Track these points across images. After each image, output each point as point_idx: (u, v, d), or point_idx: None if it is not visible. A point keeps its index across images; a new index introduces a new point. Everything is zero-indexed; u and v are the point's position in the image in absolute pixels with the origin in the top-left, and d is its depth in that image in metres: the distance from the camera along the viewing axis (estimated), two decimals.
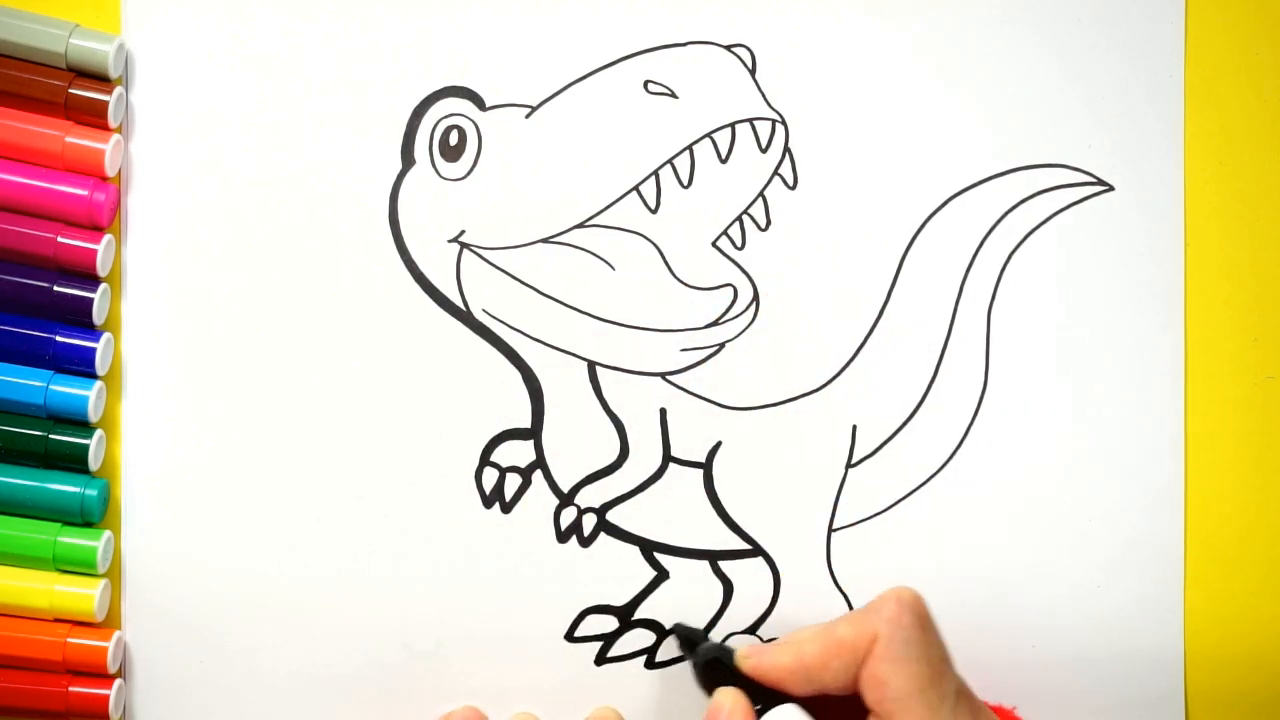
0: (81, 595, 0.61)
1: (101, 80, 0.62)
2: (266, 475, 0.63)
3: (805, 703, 0.57)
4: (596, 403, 0.63)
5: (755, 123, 0.63)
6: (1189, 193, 0.64)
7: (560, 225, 0.63)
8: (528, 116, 0.63)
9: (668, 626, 0.63)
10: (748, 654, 0.58)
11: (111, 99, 0.61)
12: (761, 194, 0.63)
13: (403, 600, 0.63)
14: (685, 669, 0.63)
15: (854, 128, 0.63)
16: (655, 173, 0.63)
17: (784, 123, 0.63)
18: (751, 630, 0.64)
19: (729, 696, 0.58)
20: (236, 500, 0.63)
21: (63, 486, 0.61)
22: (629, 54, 0.63)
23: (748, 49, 0.63)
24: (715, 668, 0.59)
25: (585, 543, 0.63)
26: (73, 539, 0.61)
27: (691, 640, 0.62)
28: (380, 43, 0.63)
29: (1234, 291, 0.64)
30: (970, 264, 0.64)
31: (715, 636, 0.64)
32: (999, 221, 0.64)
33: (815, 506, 0.63)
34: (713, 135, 0.63)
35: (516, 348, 0.63)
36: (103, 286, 0.62)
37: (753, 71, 0.63)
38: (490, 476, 0.63)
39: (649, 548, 0.63)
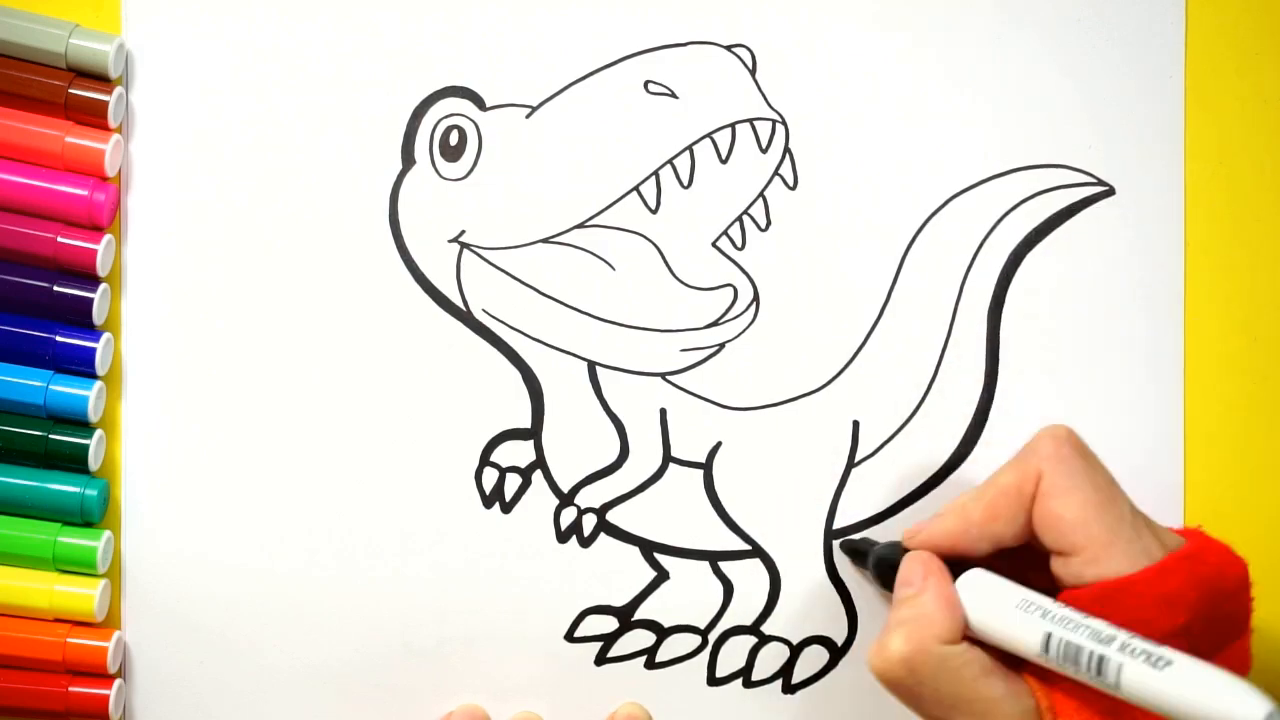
0: (81, 595, 0.61)
1: (101, 80, 0.61)
2: (266, 475, 0.63)
3: (988, 564, 0.56)
4: (596, 403, 0.63)
5: (755, 123, 0.63)
6: (1189, 193, 0.64)
7: (560, 225, 0.63)
8: (528, 116, 0.63)
9: (840, 546, 0.63)
10: (913, 532, 0.58)
11: (111, 99, 0.61)
12: (762, 194, 0.63)
13: (403, 600, 0.63)
14: (685, 669, 0.63)
15: (854, 128, 0.63)
16: (655, 173, 0.63)
17: (784, 123, 0.63)
18: (752, 630, 0.64)
19: (919, 558, 0.57)
20: (237, 500, 0.63)
21: (63, 486, 0.61)
22: (629, 54, 0.63)
23: (748, 49, 0.63)
24: (888, 562, 0.58)
25: (585, 543, 0.63)
26: (73, 539, 0.61)
27: (859, 550, 0.62)
28: (380, 43, 0.63)
29: (1233, 291, 0.64)
30: (970, 264, 0.64)
31: (713, 636, 0.64)
32: (999, 222, 0.64)
33: (815, 507, 0.63)
34: (713, 135, 0.63)
35: (516, 348, 0.63)
36: (103, 286, 0.62)
37: (753, 72, 0.63)
38: (490, 476, 0.63)
39: (649, 548, 0.64)
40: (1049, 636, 0.52)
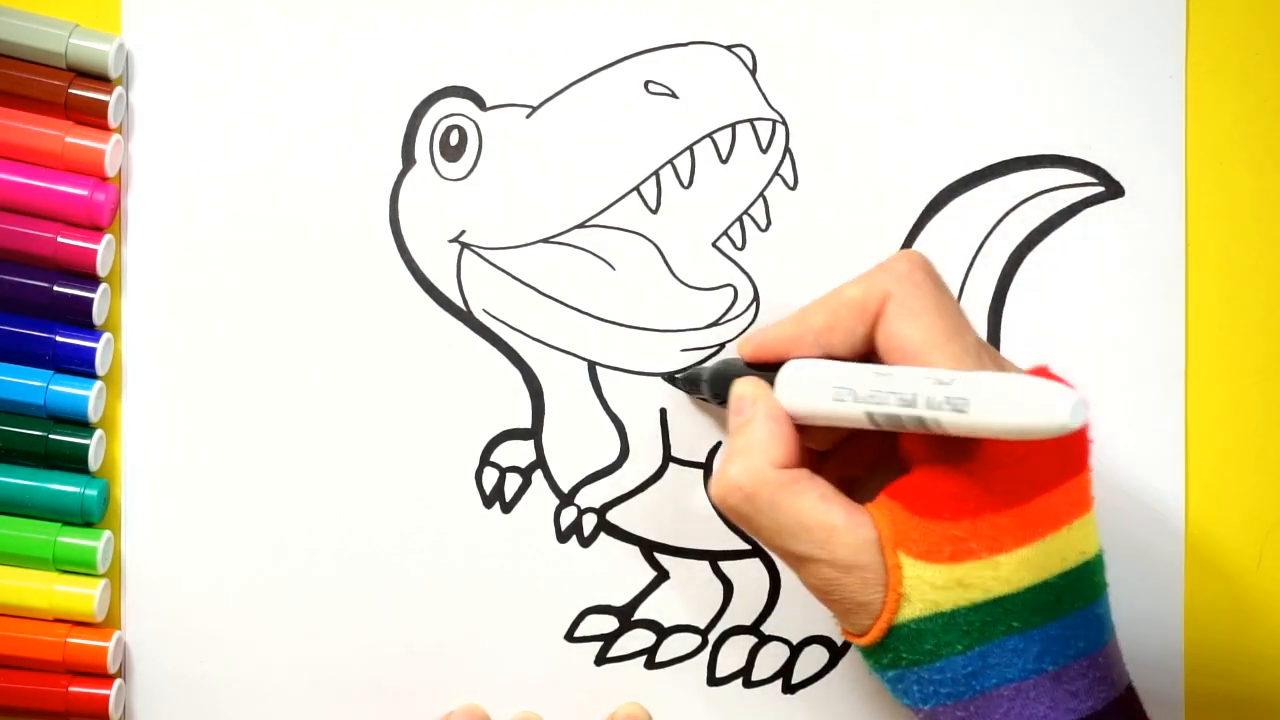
0: (81, 595, 0.61)
1: (101, 80, 0.61)
2: (266, 475, 0.63)
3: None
4: (597, 403, 0.63)
5: (756, 123, 0.63)
6: (1190, 193, 0.64)
7: (561, 225, 0.63)
8: (528, 116, 0.63)
9: (673, 379, 0.63)
10: (746, 338, 0.58)
11: (111, 99, 0.61)
12: (762, 194, 0.63)
13: (403, 600, 0.63)
14: (685, 669, 0.63)
15: (854, 128, 0.63)
16: (656, 173, 0.63)
17: (784, 123, 0.63)
18: (752, 630, 0.64)
19: (745, 384, 0.56)
20: (237, 500, 0.63)
21: (63, 486, 0.61)
22: (630, 54, 0.63)
23: (748, 49, 0.63)
24: (723, 378, 0.58)
25: (585, 543, 0.63)
26: (73, 539, 0.61)
27: (692, 378, 0.62)
28: (380, 43, 0.63)
29: (1235, 292, 0.64)
30: (971, 264, 0.64)
31: (713, 636, 0.64)
32: (1000, 222, 0.64)
33: None
34: (713, 135, 0.63)
35: (517, 348, 0.63)
36: (103, 286, 0.62)
37: (753, 72, 0.63)
38: (490, 476, 0.63)
39: (649, 548, 0.64)
40: (870, 415, 0.52)
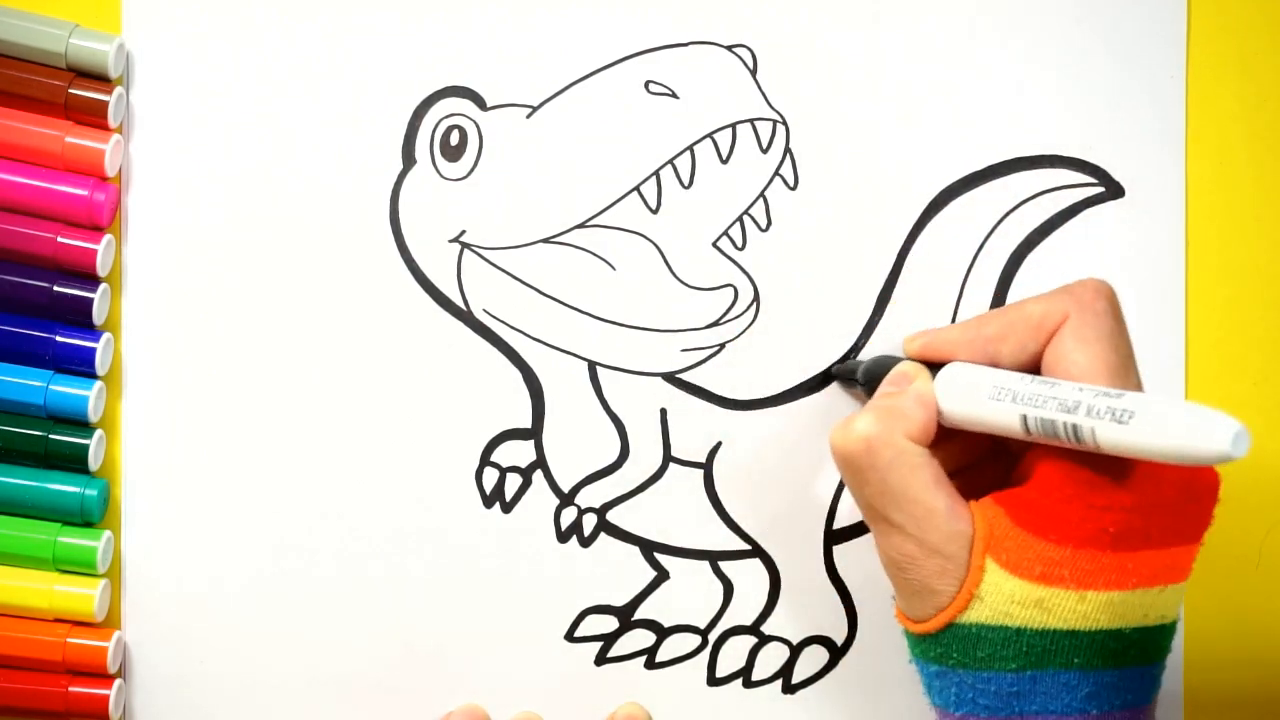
0: (81, 595, 0.61)
1: (101, 80, 0.61)
2: (266, 475, 0.63)
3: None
4: (597, 403, 0.63)
5: (756, 123, 0.63)
6: (1190, 193, 0.64)
7: (561, 225, 0.63)
8: (529, 116, 0.63)
9: (833, 371, 0.63)
10: (914, 335, 0.59)
11: (111, 99, 0.61)
12: (762, 194, 0.63)
13: (403, 600, 0.63)
14: (685, 669, 0.63)
15: (855, 128, 0.63)
16: (656, 173, 0.63)
17: (785, 123, 0.63)
18: (752, 630, 0.64)
19: (910, 365, 0.57)
20: (236, 500, 0.63)
21: (63, 486, 0.61)
22: (630, 54, 0.63)
23: (749, 49, 0.63)
24: (879, 370, 0.59)
25: (585, 543, 0.63)
26: (73, 539, 0.61)
27: (849, 372, 0.62)
28: (381, 43, 0.63)
29: (1234, 292, 0.64)
30: (971, 264, 0.64)
31: (713, 636, 0.64)
32: (1000, 222, 0.64)
33: (815, 507, 0.63)
34: (713, 135, 0.63)
35: (517, 348, 0.63)
36: (103, 286, 0.62)
37: (754, 72, 0.63)
38: (490, 476, 0.63)
39: (649, 548, 0.64)
40: (1024, 418, 0.52)
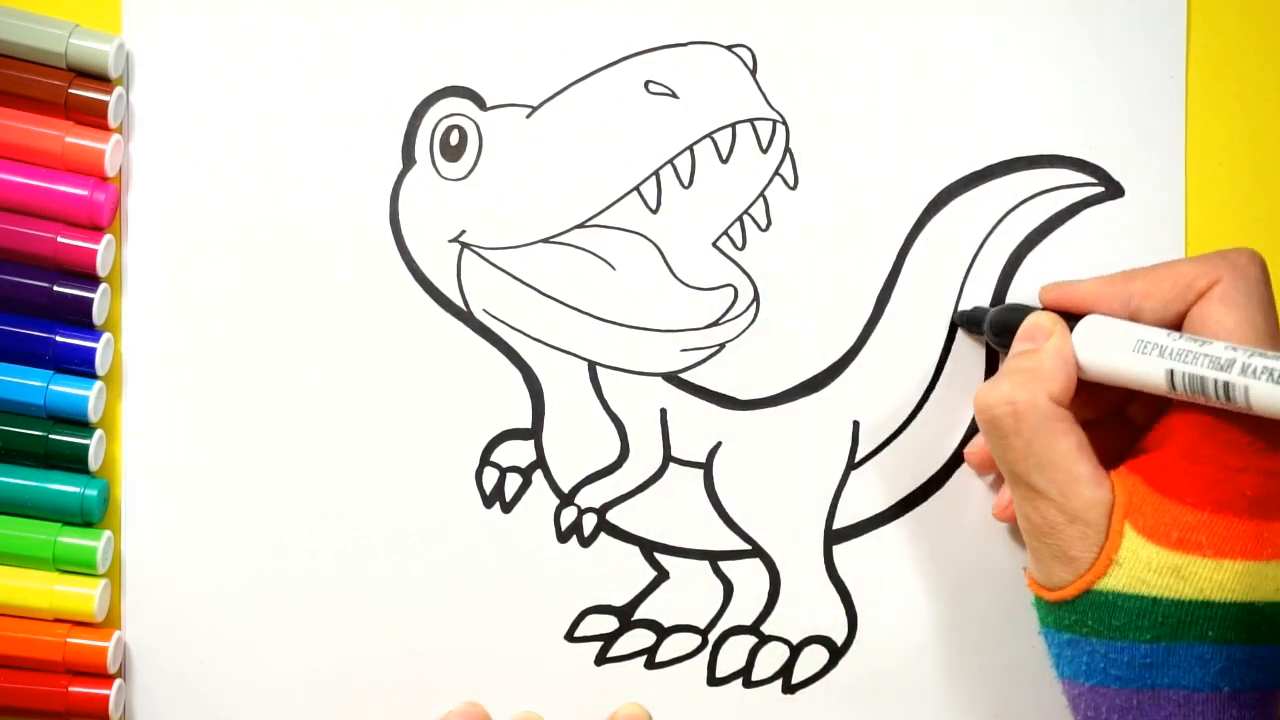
0: (81, 595, 0.61)
1: (101, 80, 0.61)
2: (266, 475, 0.63)
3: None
4: (597, 403, 0.63)
5: (756, 123, 0.63)
6: (1190, 193, 0.64)
7: (561, 225, 0.63)
8: (528, 116, 0.63)
9: (957, 319, 0.63)
10: (1050, 284, 0.59)
11: (111, 99, 0.61)
12: (762, 194, 0.63)
13: (403, 600, 0.63)
14: (685, 669, 0.63)
15: (855, 128, 0.63)
16: (656, 173, 0.63)
17: (785, 123, 0.63)
18: (752, 630, 0.64)
19: (1044, 316, 0.57)
20: (236, 500, 0.63)
21: (63, 486, 0.61)
22: (630, 54, 0.63)
23: (749, 49, 0.63)
24: (1008, 320, 0.58)
25: (585, 543, 0.63)
26: (73, 539, 0.61)
27: (973, 319, 0.62)
28: (381, 42, 0.63)
29: None
30: (971, 264, 0.64)
31: (713, 636, 0.64)
32: (1000, 222, 0.64)
33: (815, 507, 0.63)
34: (713, 135, 0.63)
35: (517, 348, 0.63)
36: (103, 286, 0.62)
37: (753, 72, 0.63)
38: (490, 476, 0.63)
39: (649, 548, 0.64)
40: (1171, 373, 0.52)
